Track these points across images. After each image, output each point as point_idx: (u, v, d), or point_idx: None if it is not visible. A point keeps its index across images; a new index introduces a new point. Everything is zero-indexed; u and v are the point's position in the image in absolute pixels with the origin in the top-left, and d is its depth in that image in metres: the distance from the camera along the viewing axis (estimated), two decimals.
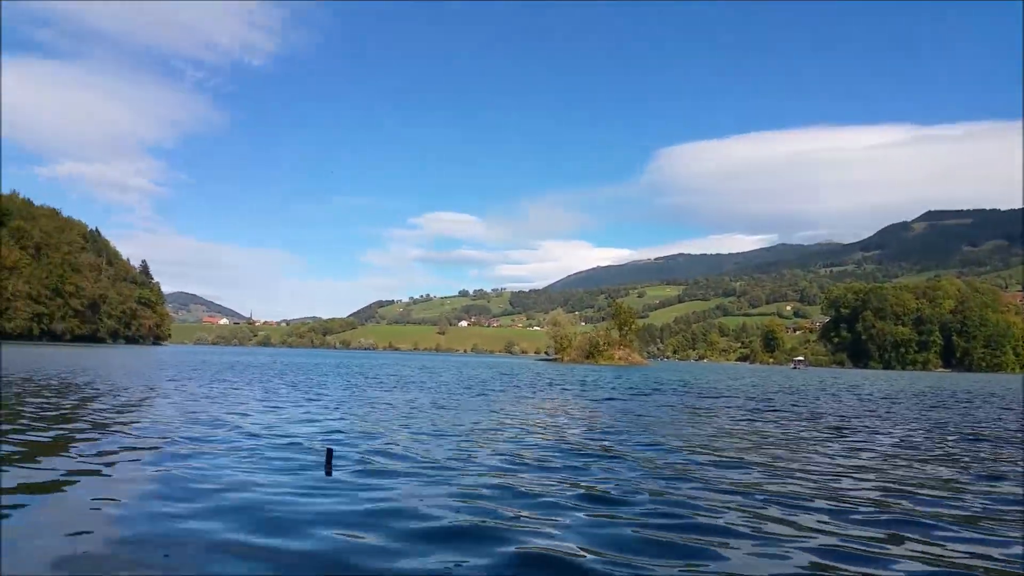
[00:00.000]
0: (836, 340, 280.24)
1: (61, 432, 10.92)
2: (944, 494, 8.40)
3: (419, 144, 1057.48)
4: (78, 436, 10.54)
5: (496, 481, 8.22)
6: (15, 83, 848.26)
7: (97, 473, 7.89)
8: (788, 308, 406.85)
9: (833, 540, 6.07)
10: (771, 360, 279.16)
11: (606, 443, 12.08)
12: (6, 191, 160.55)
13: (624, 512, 6.88)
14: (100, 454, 9.08)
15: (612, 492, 7.81)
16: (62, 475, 7.65)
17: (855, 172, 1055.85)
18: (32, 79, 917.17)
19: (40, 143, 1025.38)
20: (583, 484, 8.23)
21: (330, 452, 8.71)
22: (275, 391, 22.67)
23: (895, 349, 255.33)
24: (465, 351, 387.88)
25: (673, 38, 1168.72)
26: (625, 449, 11.43)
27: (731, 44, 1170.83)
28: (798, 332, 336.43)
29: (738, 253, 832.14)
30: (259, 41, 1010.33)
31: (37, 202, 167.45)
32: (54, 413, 13.52)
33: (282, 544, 5.35)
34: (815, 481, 9.03)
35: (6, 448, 9.14)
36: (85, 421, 12.50)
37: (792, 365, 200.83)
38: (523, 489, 7.77)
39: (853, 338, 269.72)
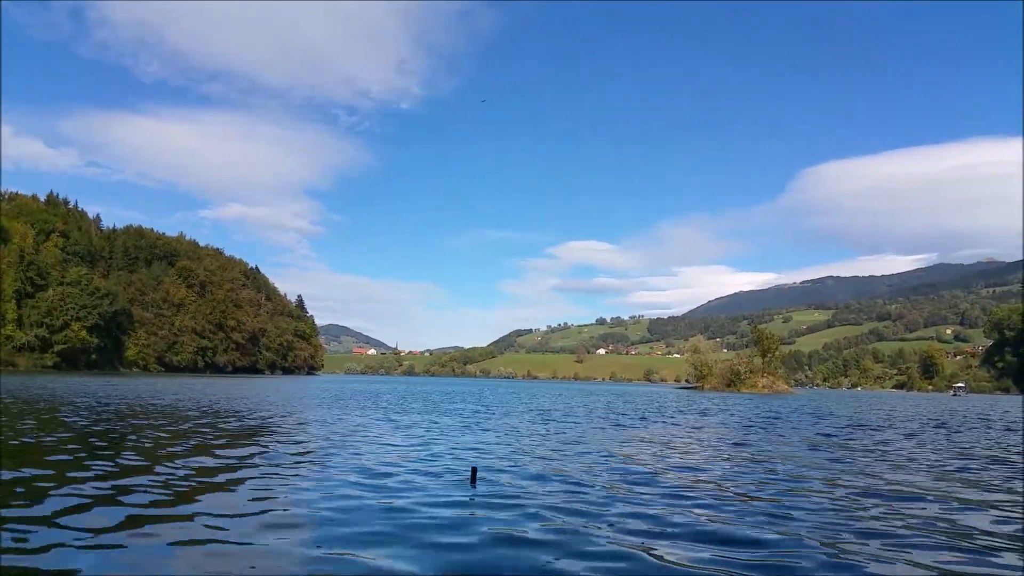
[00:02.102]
0: (1000, 365, 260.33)
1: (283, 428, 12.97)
2: None
3: (556, 175, 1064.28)
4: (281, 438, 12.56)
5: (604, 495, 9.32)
6: (185, 132, 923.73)
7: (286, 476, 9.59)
8: (948, 332, 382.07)
9: None
10: (930, 387, 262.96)
11: (716, 470, 13.00)
12: (174, 233, 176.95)
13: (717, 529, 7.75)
14: (285, 462, 10.85)
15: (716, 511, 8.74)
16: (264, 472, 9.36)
17: (1019, 186, 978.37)
18: (200, 129, 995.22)
19: (206, 188, 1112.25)
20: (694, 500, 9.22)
21: (474, 469, 10.34)
22: (432, 422, 24.81)
23: None
24: (603, 379, 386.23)
25: (813, 50, 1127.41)
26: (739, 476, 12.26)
27: (879, 53, 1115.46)
28: (959, 357, 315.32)
29: (892, 275, 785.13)
30: (408, 87, 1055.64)
31: (202, 243, 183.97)
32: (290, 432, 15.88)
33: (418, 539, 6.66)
34: None
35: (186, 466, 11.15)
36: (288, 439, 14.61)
37: (952, 392, 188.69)
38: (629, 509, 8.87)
39: (1019, 362, 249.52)
